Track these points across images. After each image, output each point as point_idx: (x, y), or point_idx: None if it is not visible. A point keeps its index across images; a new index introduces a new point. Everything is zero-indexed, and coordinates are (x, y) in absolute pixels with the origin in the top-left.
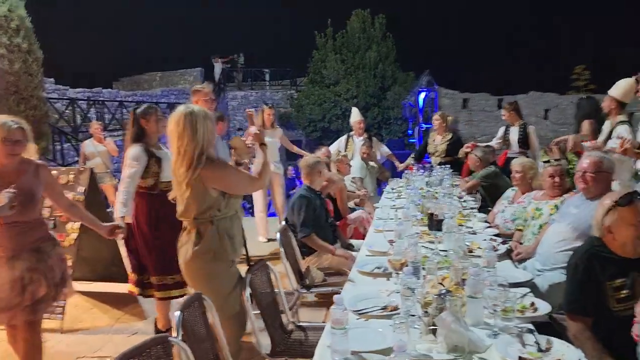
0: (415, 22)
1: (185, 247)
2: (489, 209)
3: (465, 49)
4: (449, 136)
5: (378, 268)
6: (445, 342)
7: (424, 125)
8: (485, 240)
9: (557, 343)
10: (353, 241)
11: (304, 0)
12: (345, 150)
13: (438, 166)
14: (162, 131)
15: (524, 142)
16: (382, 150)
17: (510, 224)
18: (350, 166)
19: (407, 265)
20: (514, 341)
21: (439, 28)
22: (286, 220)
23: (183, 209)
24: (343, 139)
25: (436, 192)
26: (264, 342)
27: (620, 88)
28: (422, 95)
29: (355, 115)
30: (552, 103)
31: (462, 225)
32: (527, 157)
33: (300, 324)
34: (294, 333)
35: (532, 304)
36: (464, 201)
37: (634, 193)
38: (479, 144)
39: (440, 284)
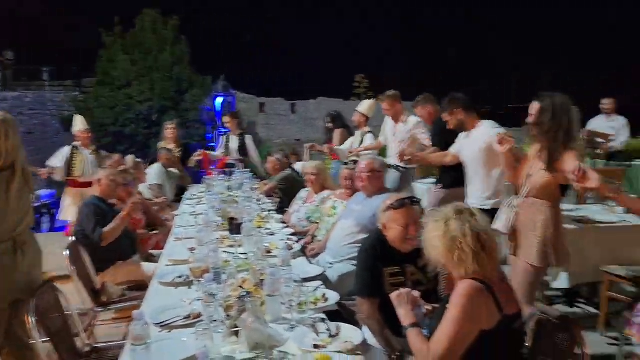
0: (211, 25)
1: None
2: (286, 209)
3: (259, 54)
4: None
5: (179, 277)
6: (247, 342)
7: (222, 130)
8: (282, 240)
9: (345, 328)
10: (154, 252)
11: None
12: (72, 163)
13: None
14: None
15: (243, 150)
16: None
17: (305, 222)
18: (146, 174)
19: (208, 272)
20: (309, 331)
21: (234, 32)
22: (75, 234)
23: None
24: (65, 150)
25: (236, 197)
26: None
27: (365, 105)
28: (220, 99)
29: (78, 124)
30: (338, 108)
31: (261, 228)
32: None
33: (97, 345)
34: (91, 356)
35: (324, 295)
36: (263, 204)
37: (407, 198)
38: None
39: (241, 286)
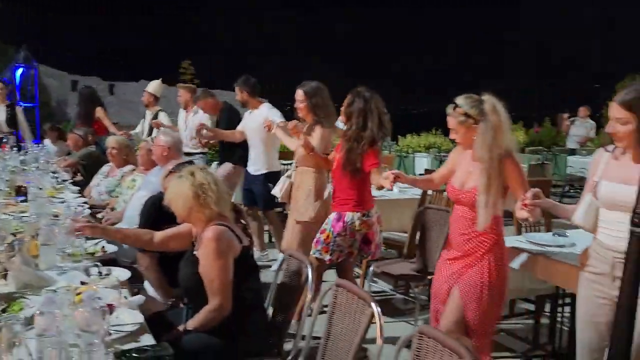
0: None
1: None
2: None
3: (77, 28)
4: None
5: None
6: (15, 282)
7: (22, 104)
8: (70, 207)
9: (116, 269)
10: None
11: None
12: None
13: (36, 146)
14: None
15: (12, 121)
16: None
17: (106, 195)
18: None
19: None
20: (80, 274)
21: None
22: None
23: None
24: None
25: (29, 169)
26: None
27: (154, 85)
28: (20, 71)
29: None
30: (162, 93)
31: (54, 197)
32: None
33: None
34: None
35: (103, 247)
36: (58, 176)
37: (187, 162)
38: None
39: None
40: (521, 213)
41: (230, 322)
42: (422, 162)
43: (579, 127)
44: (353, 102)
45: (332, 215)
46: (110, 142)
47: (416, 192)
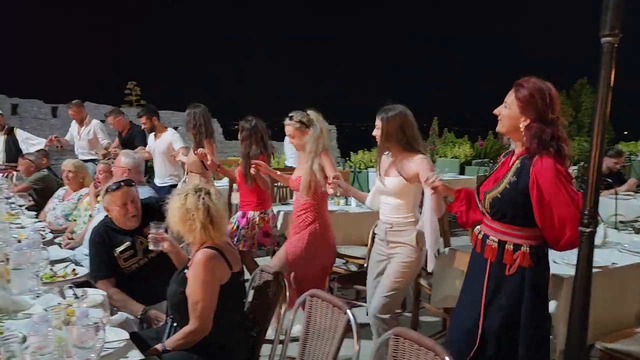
0: None
1: None
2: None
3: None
4: None
5: None
6: None
7: None
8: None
9: (92, 290)
10: None
11: None
12: None
13: None
14: None
15: None
16: None
17: (62, 219)
18: None
19: None
20: (55, 296)
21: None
22: None
23: None
24: None
25: None
26: None
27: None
28: None
29: None
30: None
31: (11, 223)
32: None
33: None
34: None
35: (74, 269)
36: (13, 202)
37: (123, 181)
38: None
39: None
40: (328, 189)
41: (210, 341)
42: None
43: None
44: (243, 129)
45: (239, 213)
46: (67, 165)
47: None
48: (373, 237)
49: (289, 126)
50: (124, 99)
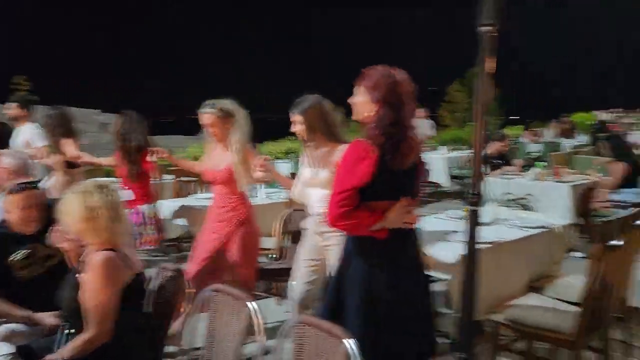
0: None
1: None
2: None
3: None
4: None
5: None
6: None
7: None
8: None
9: None
10: None
11: None
12: None
13: None
14: None
15: None
16: None
17: None
18: None
19: None
20: None
21: None
22: None
23: None
24: None
25: None
26: None
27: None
28: None
29: None
30: None
31: None
32: None
33: None
34: None
35: None
36: None
37: (27, 182)
38: None
39: None
40: (257, 174)
41: (111, 345)
42: (284, 167)
43: (421, 127)
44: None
45: (128, 211)
46: None
47: (282, 197)
48: (292, 232)
49: (209, 114)
50: (8, 95)
